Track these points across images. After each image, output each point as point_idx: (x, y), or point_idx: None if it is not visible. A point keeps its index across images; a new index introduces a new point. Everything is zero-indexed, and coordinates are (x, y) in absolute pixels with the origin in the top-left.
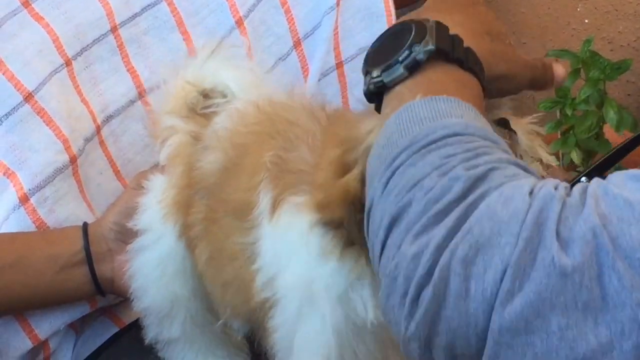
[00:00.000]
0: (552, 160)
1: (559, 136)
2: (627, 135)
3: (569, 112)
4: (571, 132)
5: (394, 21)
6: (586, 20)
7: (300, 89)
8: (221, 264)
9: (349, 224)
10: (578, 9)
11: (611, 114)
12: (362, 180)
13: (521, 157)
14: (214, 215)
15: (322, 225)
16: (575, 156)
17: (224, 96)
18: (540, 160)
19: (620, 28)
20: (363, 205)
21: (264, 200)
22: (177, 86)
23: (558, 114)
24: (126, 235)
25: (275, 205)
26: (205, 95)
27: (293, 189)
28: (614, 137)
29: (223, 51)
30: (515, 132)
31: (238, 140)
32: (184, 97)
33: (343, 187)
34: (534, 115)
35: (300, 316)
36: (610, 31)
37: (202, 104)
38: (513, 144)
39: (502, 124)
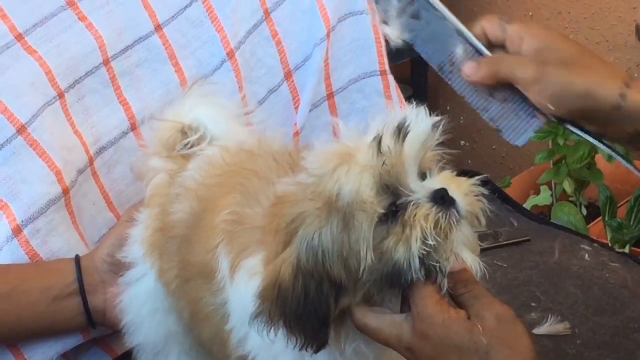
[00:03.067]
0: (482, 227)
1: (551, 166)
2: (618, 165)
3: (560, 141)
4: (563, 162)
5: (383, 51)
6: None
7: (272, 134)
8: (201, 323)
9: (274, 318)
10: None
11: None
12: (294, 270)
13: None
14: (185, 274)
15: (257, 314)
16: (568, 186)
17: (197, 131)
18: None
19: (612, 59)
20: (293, 295)
21: (223, 264)
22: (159, 127)
23: (550, 143)
24: (119, 267)
25: (233, 270)
26: (184, 133)
27: (248, 249)
28: (607, 166)
29: (201, 88)
30: None
31: (202, 194)
32: (161, 137)
33: (275, 272)
34: (478, 177)
35: None
36: None
37: (180, 142)
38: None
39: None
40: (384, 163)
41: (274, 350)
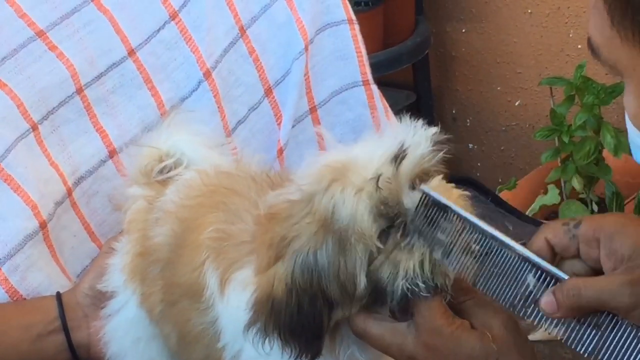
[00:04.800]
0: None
1: (559, 164)
2: (628, 159)
3: (566, 139)
4: (570, 159)
5: (365, 62)
6: (579, 46)
7: (248, 158)
8: (191, 345)
9: (268, 330)
10: (570, 35)
11: (608, 139)
12: (288, 284)
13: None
14: (170, 297)
15: (251, 325)
16: (576, 183)
17: (172, 157)
18: None
19: None
20: (286, 309)
21: (211, 280)
22: (137, 155)
23: (556, 141)
24: (101, 300)
25: (223, 285)
26: (162, 160)
27: (238, 262)
28: (615, 161)
29: (179, 115)
30: None
31: (182, 215)
32: (139, 164)
33: (268, 286)
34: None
35: None
36: None
37: (157, 168)
38: None
39: None
40: (380, 192)
41: None
